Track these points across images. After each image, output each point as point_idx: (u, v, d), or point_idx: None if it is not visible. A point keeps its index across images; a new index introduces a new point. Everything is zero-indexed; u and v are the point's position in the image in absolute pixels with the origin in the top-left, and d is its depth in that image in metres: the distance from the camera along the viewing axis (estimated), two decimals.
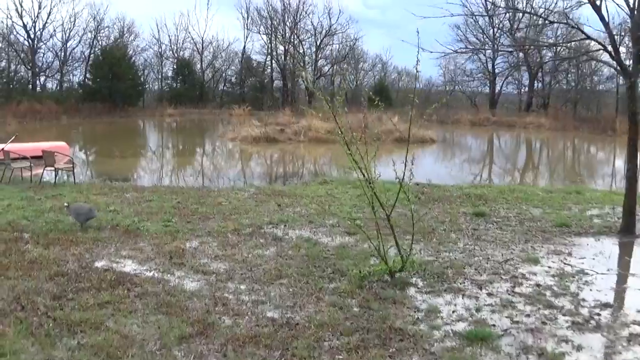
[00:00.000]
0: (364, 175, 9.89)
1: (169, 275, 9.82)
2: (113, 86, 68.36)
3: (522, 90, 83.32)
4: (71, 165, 20.94)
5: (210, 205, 15.95)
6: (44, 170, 20.65)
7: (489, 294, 9.37)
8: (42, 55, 76.01)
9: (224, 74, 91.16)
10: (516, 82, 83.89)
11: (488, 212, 15.79)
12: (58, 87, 77.10)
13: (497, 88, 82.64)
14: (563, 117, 63.62)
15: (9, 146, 21.80)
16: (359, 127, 31.81)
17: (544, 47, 70.28)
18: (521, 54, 73.55)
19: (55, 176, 20.70)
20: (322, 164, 32.17)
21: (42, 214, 14.26)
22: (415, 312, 8.55)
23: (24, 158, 21.12)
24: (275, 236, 12.58)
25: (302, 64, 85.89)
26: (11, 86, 71.53)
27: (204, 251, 11.35)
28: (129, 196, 17.50)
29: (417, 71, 10.33)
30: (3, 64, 73.15)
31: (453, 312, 8.60)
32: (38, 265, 10.06)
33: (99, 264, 10.37)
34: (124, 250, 11.30)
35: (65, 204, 13.60)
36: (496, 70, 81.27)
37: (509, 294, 9.39)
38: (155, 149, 40.69)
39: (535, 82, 78.42)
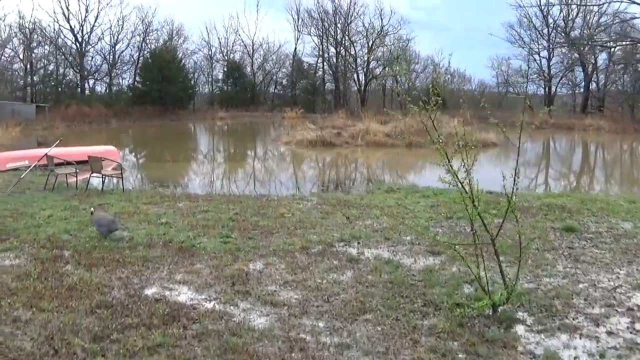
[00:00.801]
0: (465, 191, 8.17)
1: (232, 307, 8.30)
2: (163, 89, 67.86)
3: (577, 91, 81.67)
4: (120, 172, 19.60)
5: (271, 218, 14.43)
6: (90, 176, 19.37)
7: (609, 333, 7.78)
8: (90, 58, 75.84)
9: (274, 77, 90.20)
10: (570, 83, 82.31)
11: (578, 226, 14.03)
12: (107, 91, 76.64)
13: (552, 89, 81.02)
14: (621, 120, 61.64)
15: (54, 151, 20.52)
16: (420, 131, 30.12)
17: (602, 47, 69.64)
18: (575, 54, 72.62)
19: (103, 183, 19.35)
20: (382, 169, 30.48)
21: (86, 227, 12.88)
22: (531, 359, 6.96)
23: (69, 163, 19.87)
24: (349, 256, 10.97)
25: (396, 58, 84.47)
26: (60, 89, 71.15)
27: (270, 275, 9.79)
28: (182, 206, 16.11)
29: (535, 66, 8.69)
30: (51, 67, 72.95)
31: (575, 358, 7.04)
32: (78, 292, 8.63)
33: (149, 291, 8.90)
34: (178, 273, 9.80)
35: (92, 209, 12.57)
36: (552, 71, 79.63)
37: (631, 333, 7.81)
38: (207, 153, 39.22)
39: (590, 83, 76.41)
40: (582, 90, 79.48)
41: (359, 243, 12.05)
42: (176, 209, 15.53)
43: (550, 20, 77.42)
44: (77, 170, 19.43)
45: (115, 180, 20.75)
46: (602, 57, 74.61)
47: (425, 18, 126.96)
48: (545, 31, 78.71)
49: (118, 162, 23.56)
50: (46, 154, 19.75)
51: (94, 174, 19.17)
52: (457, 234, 12.91)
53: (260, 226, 13.39)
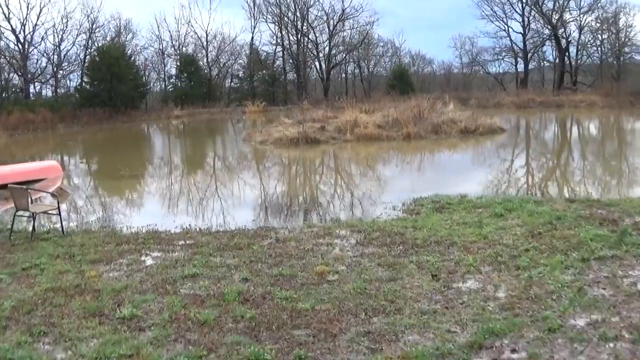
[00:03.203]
0: None
1: None
2: (113, 88, 62.39)
3: (544, 66, 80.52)
4: (56, 206, 13.46)
5: (308, 285, 8.72)
6: (14, 215, 13.36)
7: None
8: (36, 61, 69.57)
9: (230, 69, 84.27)
10: (538, 59, 78.55)
11: None
12: (53, 94, 70.32)
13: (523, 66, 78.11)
14: (612, 93, 58.02)
15: None
16: (416, 119, 24.43)
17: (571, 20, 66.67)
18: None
19: (34, 226, 13.24)
20: (392, 170, 24.37)
21: None
22: None
23: None
24: None
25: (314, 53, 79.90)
26: (4, 96, 64.81)
27: None
28: (152, 263, 10.31)
29: None
30: None
31: None
32: None
33: None
34: None
35: None
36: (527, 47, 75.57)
37: None
38: (168, 163, 31.84)
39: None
40: (548, 65, 78.88)
41: (514, 350, 6.23)
42: (144, 273, 9.67)
43: None
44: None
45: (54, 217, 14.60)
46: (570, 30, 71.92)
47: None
48: (519, 6, 74.21)
49: (50, 192, 17.52)
50: None
51: (20, 212, 13.19)
52: (632, 297, 7.35)
53: (301, 312, 7.52)
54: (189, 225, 13.90)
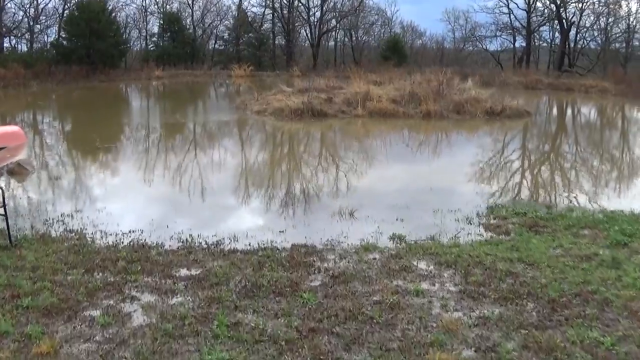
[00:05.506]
0: None
1: None
2: (91, 45, 59.06)
3: (540, 46, 78.30)
4: (0, 203, 9.39)
5: None
6: None
7: None
8: (12, 14, 65.87)
9: (215, 30, 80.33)
10: (533, 38, 76.21)
11: None
12: (29, 49, 66.39)
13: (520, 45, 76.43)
14: (625, 80, 53.25)
15: None
16: (435, 94, 20.26)
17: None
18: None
19: None
20: (424, 157, 20.21)
21: None
22: None
23: None
24: None
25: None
26: None
27: None
28: (142, 322, 6.47)
29: None
30: None
31: None
32: None
33: None
34: None
35: None
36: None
37: None
38: (151, 133, 26.02)
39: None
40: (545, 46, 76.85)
41: None
42: (131, 350, 5.79)
43: None
44: None
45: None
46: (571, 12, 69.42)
47: None
48: None
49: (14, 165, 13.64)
50: None
51: None
52: None
53: None
54: (190, 235, 9.91)
